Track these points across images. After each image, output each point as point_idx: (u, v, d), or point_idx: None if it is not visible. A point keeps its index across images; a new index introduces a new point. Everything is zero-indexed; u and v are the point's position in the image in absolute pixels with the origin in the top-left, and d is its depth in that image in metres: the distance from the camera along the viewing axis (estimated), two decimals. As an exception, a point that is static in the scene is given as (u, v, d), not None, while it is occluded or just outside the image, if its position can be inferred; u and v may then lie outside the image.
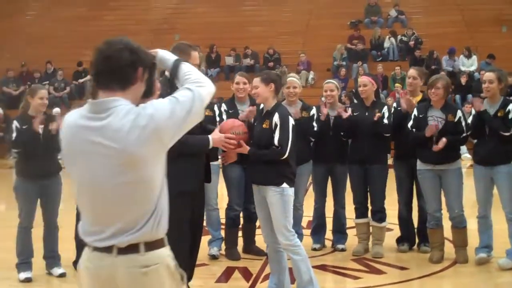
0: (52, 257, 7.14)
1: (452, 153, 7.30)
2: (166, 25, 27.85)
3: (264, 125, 5.97)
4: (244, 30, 26.23)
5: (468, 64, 22.46)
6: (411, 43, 23.91)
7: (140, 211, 2.91)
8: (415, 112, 7.43)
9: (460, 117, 7.27)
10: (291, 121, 6.00)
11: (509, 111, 6.98)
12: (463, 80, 20.84)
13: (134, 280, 2.91)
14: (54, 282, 7.03)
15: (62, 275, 7.06)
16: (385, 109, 7.70)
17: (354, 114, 7.72)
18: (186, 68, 3.25)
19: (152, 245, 2.93)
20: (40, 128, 6.86)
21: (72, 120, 2.98)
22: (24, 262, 6.97)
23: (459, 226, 7.34)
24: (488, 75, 7.15)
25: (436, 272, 7.11)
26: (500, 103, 7.09)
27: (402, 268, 7.30)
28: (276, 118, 5.89)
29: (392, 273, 7.13)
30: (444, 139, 7.10)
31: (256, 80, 6.06)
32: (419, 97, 7.79)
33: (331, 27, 26.09)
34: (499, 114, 7.01)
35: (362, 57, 23.74)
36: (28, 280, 6.90)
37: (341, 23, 26.28)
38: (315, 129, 7.70)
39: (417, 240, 7.94)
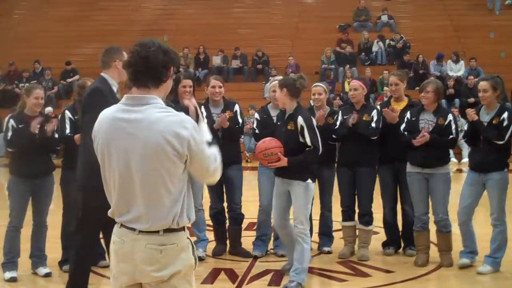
0: (38, 257, 7.11)
1: (440, 157, 7.33)
2: (155, 26, 27.76)
3: (289, 127, 6.60)
4: (233, 32, 26.21)
5: (456, 69, 22.59)
6: (399, 45, 23.98)
7: (162, 200, 3.18)
8: (407, 115, 7.48)
9: (450, 121, 7.31)
10: (314, 121, 6.80)
11: (503, 119, 7.00)
12: (450, 84, 20.95)
13: (150, 256, 3.20)
14: (39, 282, 7.00)
15: (47, 275, 7.04)
16: (374, 112, 7.72)
17: (344, 117, 7.73)
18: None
19: (171, 229, 3.23)
20: (36, 129, 6.82)
21: (109, 113, 3.29)
22: (10, 262, 6.94)
23: (443, 230, 7.38)
24: (482, 85, 7.14)
25: (421, 275, 7.14)
26: (496, 110, 7.10)
27: (388, 271, 7.33)
28: (300, 120, 6.52)
29: (377, 276, 7.16)
30: (427, 135, 7.14)
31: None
32: (404, 102, 7.81)
33: (319, 30, 26.12)
34: (494, 122, 7.03)
35: (350, 60, 23.79)
36: (13, 279, 6.87)
37: (330, 27, 26.31)
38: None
39: (402, 244, 7.97)
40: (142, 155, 3.16)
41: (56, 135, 7.09)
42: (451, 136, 7.31)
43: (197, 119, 3.38)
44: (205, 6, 28.50)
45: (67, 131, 7.06)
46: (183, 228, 3.27)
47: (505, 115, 7.01)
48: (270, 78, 21.99)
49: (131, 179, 3.21)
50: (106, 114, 3.31)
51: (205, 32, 25.86)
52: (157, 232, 3.20)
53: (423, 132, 7.20)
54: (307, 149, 6.57)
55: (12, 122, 6.92)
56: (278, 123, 6.92)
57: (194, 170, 3.25)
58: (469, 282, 6.97)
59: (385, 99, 18.02)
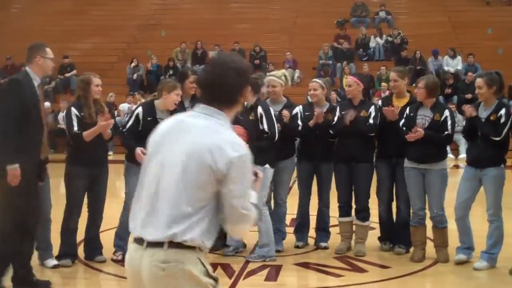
0: (45, 249, 7.13)
1: (436, 152, 7.34)
2: (152, 21, 27.76)
3: (251, 117, 7.26)
4: (231, 27, 26.19)
5: (452, 64, 22.60)
6: (397, 41, 23.98)
7: (181, 208, 3.03)
8: (407, 110, 7.49)
9: (446, 117, 7.31)
10: (272, 111, 7.47)
11: (501, 116, 7.00)
12: (449, 82, 20.97)
13: (153, 274, 3.04)
14: (46, 272, 6.94)
15: (55, 267, 7.05)
16: (372, 108, 7.71)
17: (342, 113, 7.73)
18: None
19: (177, 245, 3.03)
20: None
21: (180, 116, 3.29)
22: None
23: (439, 226, 7.39)
24: (477, 81, 7.16)
25: (417, 271, 7.15)
26: (494, 106, 7.09)
27: (384, 267, 7.33)
28: (260, 109, 7.29)
29: (374, 272, 7.17)
30: (421, 131, 7.16)
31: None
32: (406, 99, 7.78)
33: (317, 26, 26.11)
34: (491, 118, 7.02)
35: (348, 56, 23.79)
36: None
37: (328, 22, 26.30)
38: (299, 128, 7.77)
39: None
40: (184, 152, 3.05)
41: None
42: (446, 132, 7.31)
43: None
44: (203, 1, 28.48)
45: (75, 128, 7.00)
46: (193, 248, 3.06)
47: (503, 111, 7.01)
48: (267, 73, 21.99)
49: (163, 172, 3.09)
50: (178, 116, 3.30)
51: (202, 27, 25.82)
52: (162, 245, 3.03)
53: (415, 128, 7.21)
54: (265, 135, 7.24)
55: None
56: (241, 115, 7.09)
57: (225, 200, 3.06)
58: (466, 278, 6.98)
59: (383, 94, 18.11)
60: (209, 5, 28.07)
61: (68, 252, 7.16)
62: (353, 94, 7.78)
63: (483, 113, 7.11)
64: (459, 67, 22.43)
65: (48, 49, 6.30)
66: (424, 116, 7.35)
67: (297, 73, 22.96)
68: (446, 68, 22.39)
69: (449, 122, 7.30)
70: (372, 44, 24.60)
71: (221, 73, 3.09)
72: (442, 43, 23.18)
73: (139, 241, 3.12)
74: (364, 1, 27.18)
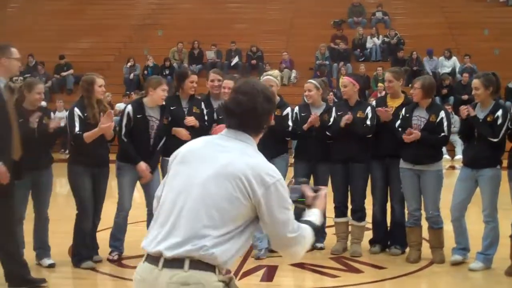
0: (42, 248, 7.15)
1: (432, 153, 7.35)
2: (149, 21, 27.75)
3: None
4: (228, 27, 26.18)
5: (448, 65, 22.65)
6: (393, 42, 24.02)
7: (204, 228, 2.93)
8: (402, 111, 7.50)
9: (442, 118, 7.31)
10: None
11: (498, 117, 7.00)
12: (446, 82, 21.01)
13: None
14: (43, 272, 6.94)
15: (51, 266, 7.07)
16: (368, 109, 7.71)
17: (338, 114, 7.73)
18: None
19: (198, 265, 2.92)
20: (35, 123, 6.85)
21: (209, 137, 3.26)
22: None
23: (434, 226, 7.40)
24: (474, 83, 7.19)
25: (413, 271, 7.16)
26: (490, 108, 7.10)
27: (380, 267, 7.34)
28: None
29: (369, 272, 7.18)
30: (417, 132, 7.16)
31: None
32: (401, 99, 7.76)
33: (314, 26, 26.12)
34: (488, 119, 7.02)
35: (344, 57, 23.80)
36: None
37: (325, 23, 26.30)
38: (290, 129, 7.82)
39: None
40: (216, 172, 2.98)
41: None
42: (442, 134, 7.32)
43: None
44: (200, 0, 28.45)
45: (77, 129, 7.00)
46: (213, 268, 2.94)
47: (500, 112, 7.02)
48: (264, 73, 21.99)
49: (190, 188, 3.00)
50: (207, 137, 3.26)
51: (199, 27, 25.82)
52: (182, 266, 2.90)
53: (409, 130, 7.20)
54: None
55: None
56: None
57: (267, 229, 3.04)
58: (461, 279, 7.00)
59: (379, 95, 18.12)
60: (206, 5, 28.06)
61: (87, 254, 7.17)
62: (348, 95, 7.78)
63: (480, 114, 7.12)
64: (457, 68, 22.46)
65: (13, 49, 6.30)
66: (420, 117, 7.36)
67: (293, 74, 22.98)
68: (440, 70, 22.42)
69: (445, 124, 7.31)
70: (368, 44, 24.62)
71: (253, 100, 3.07)
72: (438, 44, 23.21)
73: (153, 260, 2.97)
74: (361, 2, 27.20)
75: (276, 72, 8.32)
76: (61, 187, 12.39)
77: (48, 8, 28.14)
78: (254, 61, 23.46)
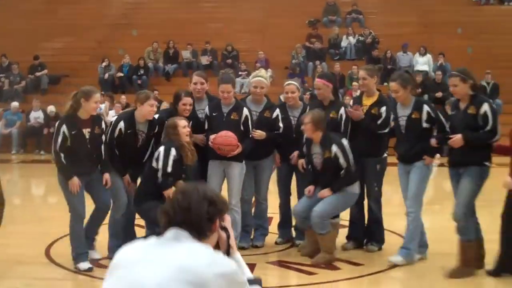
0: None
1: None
2: (124, 20, 27.64)
3: (232, 117, 7.58)
4: (203, 27, 26.14)
5: (421, 62, 22.84)
6: (368, 40, 24.16)
7: None
8: (384, 113, 7.57)
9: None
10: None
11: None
12: (418, 80, 21.15)
13: None
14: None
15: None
16: (342, 110, 7.71)
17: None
18: None
19: None
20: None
21: (153, 239, 2.80)
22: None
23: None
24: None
25: (389, 268, 7.20)
26: (412, 105, 7.20)
27: (356, 264, 7.39)
28: (245, 111, 7.62)
29: (346, 269, 7.22)
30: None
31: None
32: (375, 96, 7.75)
33: (289, 26, 26.19)
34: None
35: (320, 56, 23.89)
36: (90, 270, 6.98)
37: (300, 22, 26.39)
38: (281, 130, 7.90)
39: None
40: (163, 272, 2.61)
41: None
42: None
43: (227, 250, 2.95)
44: (174, 0, 28.39)
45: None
46: None
47: (425, 108, 7.14)
48: (240, 73, 22.04)
49: None
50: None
51: (174, 27, 25.78)
52: None
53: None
54: (250, 136, 7.58)
55: (64, 128, 6.87)
56: (215, 114, 7.62)
57: None
58: (437, 274, 7.02)
59: (354, 94, 18.20)
60: (180, 4, 28.01)
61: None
62: (323, 96, 7.81)
63: (403, 113, 7.22)
64: (431, 67, 22.67)
65: None
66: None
67: (269, 73, 22.95)
68: (414, 66, 22.64)
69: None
70: (343, 43, 24.74)
71: (188, 203, 2.76)
72: (413, 43, 23.38)
73: None
74: (336, 1, 27.30)
75: (263, 72, 8.36)
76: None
77: (22, 8, 27.89)
78: (229, 61, 23.44)
